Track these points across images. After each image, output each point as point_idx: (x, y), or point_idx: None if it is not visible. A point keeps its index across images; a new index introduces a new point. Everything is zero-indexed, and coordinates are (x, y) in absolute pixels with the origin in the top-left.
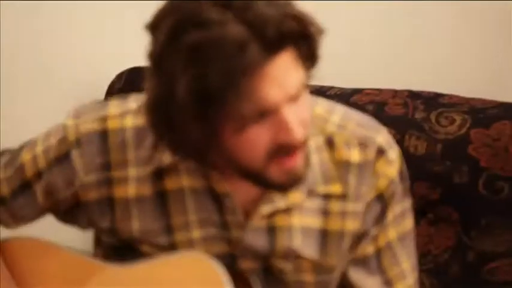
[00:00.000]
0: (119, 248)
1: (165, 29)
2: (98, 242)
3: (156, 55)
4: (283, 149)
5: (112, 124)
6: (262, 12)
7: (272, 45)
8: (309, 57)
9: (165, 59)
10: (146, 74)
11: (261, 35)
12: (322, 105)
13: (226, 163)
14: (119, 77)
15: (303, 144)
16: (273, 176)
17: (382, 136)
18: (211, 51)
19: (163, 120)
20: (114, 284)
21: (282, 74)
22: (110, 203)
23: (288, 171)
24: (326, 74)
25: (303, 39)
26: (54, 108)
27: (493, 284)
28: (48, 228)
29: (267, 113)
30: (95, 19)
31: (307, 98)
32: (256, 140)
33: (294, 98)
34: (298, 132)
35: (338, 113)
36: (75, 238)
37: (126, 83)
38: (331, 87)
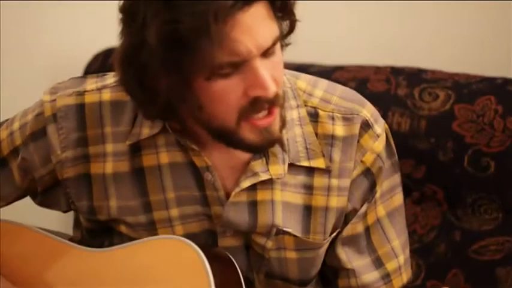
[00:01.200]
0: (98, 232)
1: None
2: (76, 224)
3: (128, 5)
4: (256, 105)
5: (89, 98)
6: None
7: None
8: (282, 11)
9: (136, 6)
10: (118, 28)
11: None
12: (305, 78)
13: (198, 122)
14: (96, 57)
15: (276, 101)
16: (246, 136)
17: (367, 109)
18: None
19: (134, 71)
20: (92, 269)
21: (255, 24)
22: (87, 180)
23: (261, 131)
24: (308, 50)
25: None
26: (31, 89)
27: (480, 263)
28: (28, 211)
29: (238, 64)
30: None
31: (280, 56)
32: (228, 94)
33: (266, 53)
34: (270, 85)
35: (321, 86)
36: (54, 220)
37: (103, 64)
38: (312, 65)
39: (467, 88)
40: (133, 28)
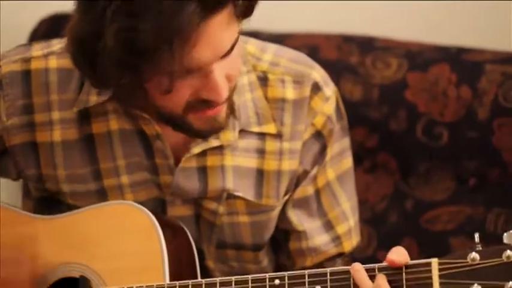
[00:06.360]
0: (48, 202)
1: None
2: (26, 193)
3: None
4: (204, 104)
5: (35, 65)
6: None
7: (212, 4)
8: (246, 11)
9: None
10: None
11: None
12: (253, 43)
13: (148, 107)
14: (41, 23)
15: (227, 100)
16: (193, 123)
17: (317, 72)
18: (147, 4)
19: (87, 58)
20: (44, 235)
21: (218, 34)
22: (33, 148)
23: (208, 120)
24: (257, 17)
25: None
26: None
27: (432, 233)
28: None
29: (195, 71)
30: None
31: (237, 50)
32: (178, 93)
33: (225, 56)
34: (223, 92)
35: (270, 50)
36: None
37: (49, 30)
38: (262, 32)
39: (420, 56)
40: (91, 17)
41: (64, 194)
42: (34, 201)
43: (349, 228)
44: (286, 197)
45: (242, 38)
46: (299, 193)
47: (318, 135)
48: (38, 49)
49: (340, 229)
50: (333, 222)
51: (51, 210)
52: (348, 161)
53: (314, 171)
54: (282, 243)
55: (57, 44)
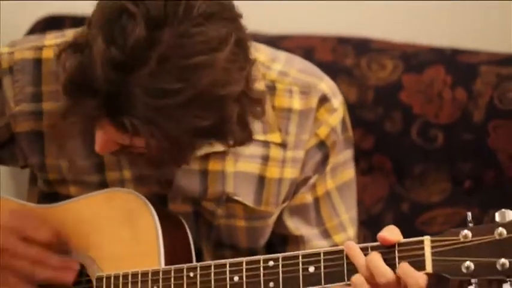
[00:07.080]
0: (51, 194)
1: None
2: (32, 181)
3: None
4: None
5: (46, 54)
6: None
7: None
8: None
9: None
10: None
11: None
12: (264, 52)
13: None
14: (37, 24)
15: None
16: None
17: (326, 83)
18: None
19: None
20: (44, 221)
21: (111, 129)
22: (39, 137)
23: None
24: (253, 19)
25: None
26: None
27: (428, 235)
28: None
29: None
30: None
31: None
32: None
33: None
34: (99, 150)
35: (280, 60)
36: None
37: (44, 31)
38: (258, 34)
39: (415, 58)
40: None
41: (67, 184)
42: (39, 190)
43: (348, 238)
44: (284, 204)
45: (253, 45)
46: (297, 200)
47: (321, 145)
48: (51, 38)
49: (338, 238)
50: (330, 232)
51: (54, 200)
52: (350, 173)
53: (313, 179)
54: (279, 248)
55: (71, 34)
